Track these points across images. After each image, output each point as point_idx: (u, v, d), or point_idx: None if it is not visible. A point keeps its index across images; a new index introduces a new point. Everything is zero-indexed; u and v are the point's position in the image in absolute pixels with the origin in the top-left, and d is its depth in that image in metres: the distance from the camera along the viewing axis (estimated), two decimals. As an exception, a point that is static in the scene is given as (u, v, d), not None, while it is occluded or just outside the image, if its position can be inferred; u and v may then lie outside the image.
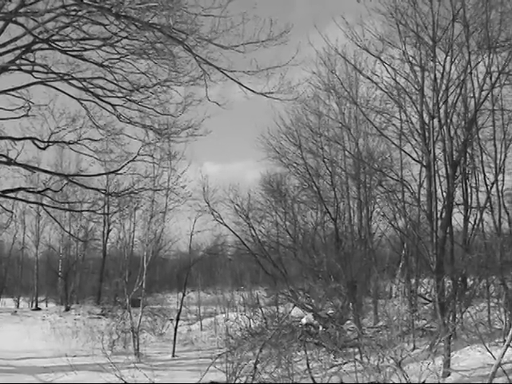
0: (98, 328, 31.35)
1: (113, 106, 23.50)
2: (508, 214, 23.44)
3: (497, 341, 19.58)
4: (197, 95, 23.17)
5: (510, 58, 22.62)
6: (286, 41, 18.62)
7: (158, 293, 50.09)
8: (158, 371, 21.48)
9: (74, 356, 23.53)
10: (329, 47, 25.25)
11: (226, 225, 33.53)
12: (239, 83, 18.41)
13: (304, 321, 23.01)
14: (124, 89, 23.07)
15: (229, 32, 17.48)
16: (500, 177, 23.32)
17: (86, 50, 22.21)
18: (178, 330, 29.32)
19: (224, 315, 36.05)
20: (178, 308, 30.82)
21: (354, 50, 25.71)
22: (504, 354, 14.62)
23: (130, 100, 23.23)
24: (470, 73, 22.82)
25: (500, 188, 23.33)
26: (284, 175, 37.19)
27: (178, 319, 29.88)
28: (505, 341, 15.87)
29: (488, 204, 23.71)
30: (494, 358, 14.98)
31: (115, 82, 22.80)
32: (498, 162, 23.15)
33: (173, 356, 27.25)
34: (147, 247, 29.56)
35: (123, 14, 16.54)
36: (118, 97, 23.17)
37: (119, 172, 26.00)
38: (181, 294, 31.47)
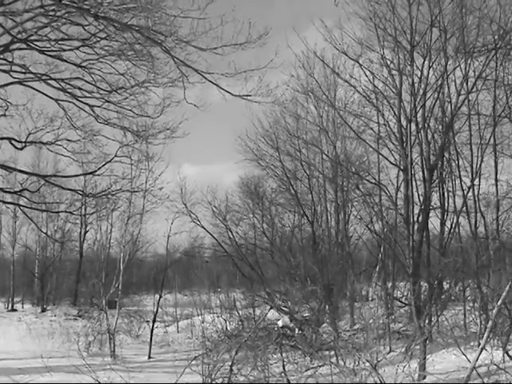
0: (74, 329, 31.24)
1: (91, 106, 23.41)
2: (484, 218, 23.57)
3: (472, 344, 19.70)
4: (175, 97, 23.12)
5: (486, 64, 22.78)
6: (264, 43, 18.64)
7: (135, 294, 49.99)
8: (134, 373, 21.40)
9: (50, 357, 23.39)
10: (307, 50, 25.28)
11: (203, 227, 33.53)
12: (217, 85, 18.43)
13: (280, 323, 23.02)
14: (102, 90, 22.99)
15: (207, 34, 17.48)
16: (476, 181, 23.47)
17: (64, 50, 22.11)
18: (154, 331, 29.27)
19: (201, 317, 36.02)
20: (155, 310, 30.75)
21: (332, 53, 25.74)
22: (479, 357, 14.72)
23: (107, 101, 23.14)
24: (447, 78, 22.94)
25: (476, 192, 23.48)
26: (262, 178, 37.18)
27: (154, 321, 29.84)
28: (479, 344, 15.96)
29: (464, 208, 23.84)
30: (469, 362, 15.08)
31: (93, 82, 22.72)
32: (474, 166, 23.31)
33: (149, 358, 27.20)
34: (124, 249, 29.50)
35: (102, 14, 16.52)
36: (96, 98, 23.09)
37: (97, 173, 25.89)
38: (157, 296, 31.40)
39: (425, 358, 18.40)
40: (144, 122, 24.51)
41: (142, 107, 23.48)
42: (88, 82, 22.85)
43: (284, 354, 20.10)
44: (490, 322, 15.44)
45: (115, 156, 25.17)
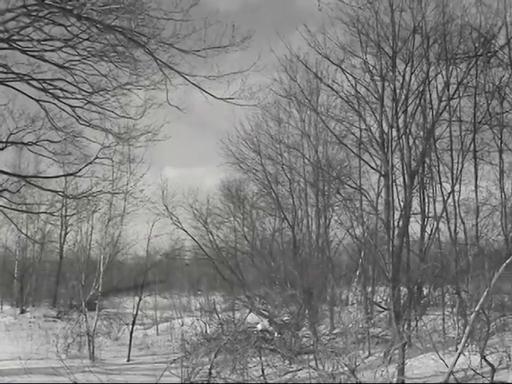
0: (53, 331, 31.09)
1: (72, 107, 23.32)
2: (464, 223, 23.72)
3: (450, 349, 19.77)
4: (157, 99, 23.08)
5: (468, 71, 22.96)
6: (247, 47, 18.64)
7: (115, 296, 49.81)
8: (113, 375, 21.36)
9: (28, 359, 23.29)
10: (291, 54, 25.35)
11: (184, 229, 33.49)
12: (200, 88, 18.41)
13: (259, 327, 23.00)
14: (84, 91, 22.90)
15: (190, 36, 17.48)
16: (456, 187, 23.64)
17: (46, 50, 22.01)
18: (133, 334, 29.17)
19: (180, 320, 35.97)
20: (134, 312, 30.67)
21: (315, 57, 25.80)
22: (456, 362, 14.81)
23: (89, 102, 23.06)
24: (429, 84, 23.09)
25: (456, 198, 23.64)
26: (243, 181, 37.18)
27: (133, 323, 29.75)
28: (457, 349, 16.04)
29: (444, 214, 23.97)
30: (447, 366, 15.17)
31: (75, 84, 22.64)
32: (454, 172, 23.47)
33: (128, 360, 27.10)
34: (104, 250, 29.41)
35: (85, 15, 16.48)
36: (78, 99, 22.99)
37: (78, 174, 25.79)
38: (137, 299, 31.32)
39: (403, 362, 18.44)
40: (126, 124, 24.47)
41: (123, 109, 23.41)
42: (70, 83, 22.76)
43: (263, 358, 20.10)
44: (468, 327, 15.53)
45: (96, 157, 25.10)
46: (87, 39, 20.95)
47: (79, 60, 22.11)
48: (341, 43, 22.80)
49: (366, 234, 26.11)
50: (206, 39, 17.76)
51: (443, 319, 23.59)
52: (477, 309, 15.41)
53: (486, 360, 16.31)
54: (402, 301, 20.65)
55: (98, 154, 25.16)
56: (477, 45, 23.57)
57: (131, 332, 28.99)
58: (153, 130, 23.85)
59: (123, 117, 23.61)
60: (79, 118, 23.62)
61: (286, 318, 25.49)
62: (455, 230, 23.46)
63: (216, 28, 17.90)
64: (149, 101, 23.16)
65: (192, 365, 17.89)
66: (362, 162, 27.01)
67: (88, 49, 21.48)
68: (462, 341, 15.07)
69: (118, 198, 29.49)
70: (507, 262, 15.35)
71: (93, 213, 32.64)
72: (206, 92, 18.50)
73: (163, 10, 17.21)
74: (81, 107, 23.48)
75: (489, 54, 23.82)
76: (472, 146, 23.95)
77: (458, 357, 14.90)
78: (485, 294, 15.23)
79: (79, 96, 23.13)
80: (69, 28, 20.41)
